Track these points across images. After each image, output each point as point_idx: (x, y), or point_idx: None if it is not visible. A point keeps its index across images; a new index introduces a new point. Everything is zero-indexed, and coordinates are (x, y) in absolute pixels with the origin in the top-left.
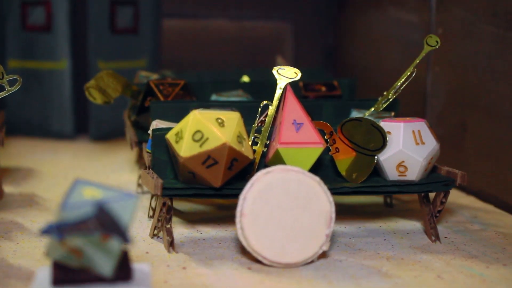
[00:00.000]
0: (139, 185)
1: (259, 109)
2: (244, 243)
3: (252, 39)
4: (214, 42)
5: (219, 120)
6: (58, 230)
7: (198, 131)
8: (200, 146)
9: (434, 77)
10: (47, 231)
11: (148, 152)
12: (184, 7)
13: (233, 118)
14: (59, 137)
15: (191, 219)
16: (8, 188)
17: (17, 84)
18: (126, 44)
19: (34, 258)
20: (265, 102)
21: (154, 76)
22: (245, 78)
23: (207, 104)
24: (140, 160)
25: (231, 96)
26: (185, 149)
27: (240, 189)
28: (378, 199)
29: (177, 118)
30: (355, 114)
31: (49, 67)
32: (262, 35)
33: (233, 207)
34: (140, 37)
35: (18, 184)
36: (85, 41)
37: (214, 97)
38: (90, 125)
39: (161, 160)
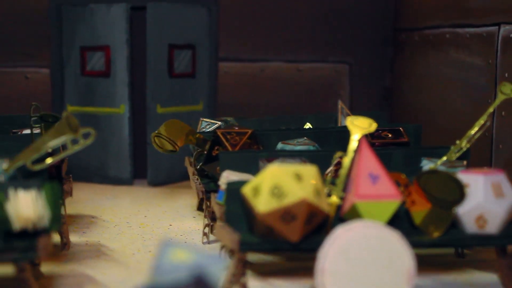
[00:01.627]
0: (204, 234)
1: (334, 161)
2: None
3: (308, 82)
4: (270, 85)
5: (297, 175)
6: None
7: (276, 186)
8: (279, 201)
9: (500, 122)
10: None
11: (218, 204)
12: (240, 50)
13: (310, 172)
14: (116, 182)
15: (262, 270)
16: (73, 237)
17: (91, 137)
18: (184, 89)
19: None
20: (340, 154)
21: (217, 123)
22: (308, 125)
23: (276, 154)
24: (206, 208)
25: (297, 145)
26: (263, 204)
27: (318, 243)
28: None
29: (246, 169)
30: (425, 163)
31: (108, 112)
32: (318, 78)
33: (303, 258)
34: (197, 81)
35: (83, 233)
36: (143, 86)
37: (280, 146)
38: (148, 171)
39: (235, 213)
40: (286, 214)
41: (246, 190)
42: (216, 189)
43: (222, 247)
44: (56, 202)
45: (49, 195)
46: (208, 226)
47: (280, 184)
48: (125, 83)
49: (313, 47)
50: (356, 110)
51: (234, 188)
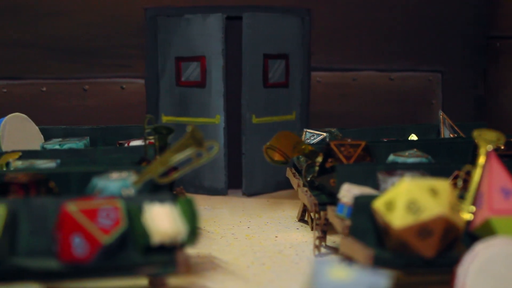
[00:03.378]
0: (316, 246)
1: (459, 174)
2: None
3: (400, 91)
4: (362, 95)
5: (433, 190)
6: None
7: (412, 201)
8: (415, 216)
9: None
10: None
11: (339, 217)
12: (332, 60)
13: (445, 187)
14: (211, 193)
15: None
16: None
17: (214, 150)
18: (277, 98)
19: None
20: (468, 167)
21: (322, 134)
22: (413, 137)
23: (394, 167)
24: (316, 220)
25: (409, 157)
26: (399, 219)
27: (452, 259)
28: None
29: (363, 181)
30: None
31: (203, 122)
32: (410, 87)
33: (421, 272)
34: (290, 91)
35: None
36: (238, 96)
37: (391, 158)
38: (243, 181)
39: (361, 228)
40: (423, 229)
41: (378, 205)
42: (328, 201)
43: (342, 261)
44: (193, 216)
45: (185, 209)
46: (319, 239)
47: (416, 199)
48: (221, 93)
49: (405, 56)
50: (451, 119)
51: (362, 202)
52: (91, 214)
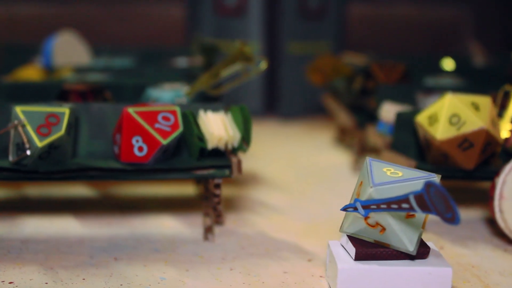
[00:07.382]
0: (354, 164)
1: (499, 96)
2: (502, 225)
3: (432, 24)
4: (396, 26)
5: (475, 104)
6: (365, 206)
7: (455, 114)
8: (457, 129)
9: None
10: (350, 207)
11: (380, 134)
12: None
13: (486, 103)
14: None
15: None
16: None
17: (263, 64)
18: (314, 27)
19: (295, 233)
20: (509, 87)
21: (360, 58)
22: (448, 60)
23: (431, 88)
24: (344, 140)
25: (446, 78)
26: (442, 131)
27: (490, 172)
28: None
29: (402, 102)
30: None
31: None
32: (442, 19)
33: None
34: (327, 21)
35: None
36: (276, 23)
37: (427, 80)
38: (279, 104)
39: (403, 142)
40: (464, 141)
41: (421, 118)
42: (366, 121)
43: None
44: (246, 123)
45: (238, 116)
46: (356, 157)
47: (458, 113)
48: (259, 20)
49: None
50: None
51: (404, 117)
52: (151, 117)
